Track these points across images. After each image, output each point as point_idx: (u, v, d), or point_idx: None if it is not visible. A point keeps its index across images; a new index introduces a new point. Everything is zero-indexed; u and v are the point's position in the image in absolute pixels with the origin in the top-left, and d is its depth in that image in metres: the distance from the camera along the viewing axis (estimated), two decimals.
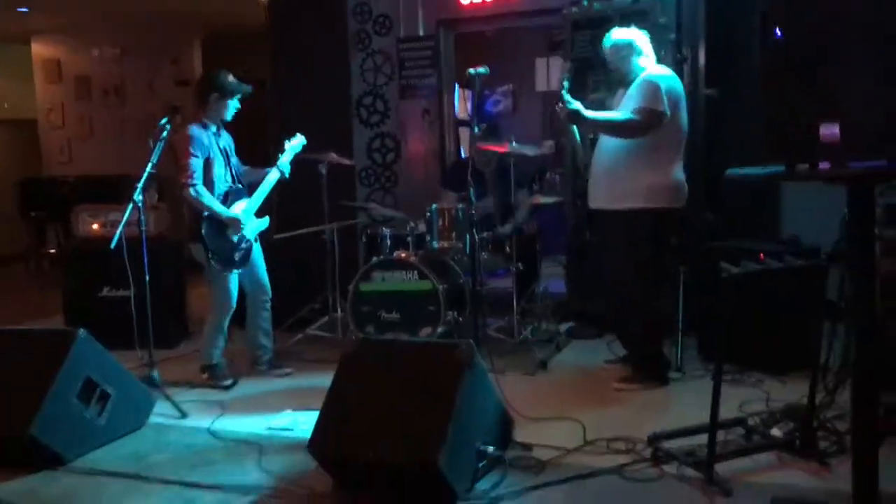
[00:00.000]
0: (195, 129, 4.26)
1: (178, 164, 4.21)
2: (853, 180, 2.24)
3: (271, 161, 4.59)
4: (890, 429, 3.02)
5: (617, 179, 3.99)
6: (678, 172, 4.00)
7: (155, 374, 3.95)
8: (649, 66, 4.05)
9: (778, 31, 2.25)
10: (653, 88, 3.88)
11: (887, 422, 3.08)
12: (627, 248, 3.99)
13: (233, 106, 4.38)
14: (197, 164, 4.19)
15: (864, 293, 2.32)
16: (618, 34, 4.10)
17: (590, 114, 3.95)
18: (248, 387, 4.36)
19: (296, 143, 4.64)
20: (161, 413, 3.83)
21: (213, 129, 4.37)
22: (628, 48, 4.04)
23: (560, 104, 3.94)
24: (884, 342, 3.16)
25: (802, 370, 3.21)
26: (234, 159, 4.50)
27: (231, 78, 4.35)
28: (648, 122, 3.87)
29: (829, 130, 2.14)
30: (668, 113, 3.87)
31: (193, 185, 4.17)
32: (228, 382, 4.35)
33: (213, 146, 4.30)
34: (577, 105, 3.91)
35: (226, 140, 4.47)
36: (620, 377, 4.14)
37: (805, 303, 3.44)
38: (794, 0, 2.17)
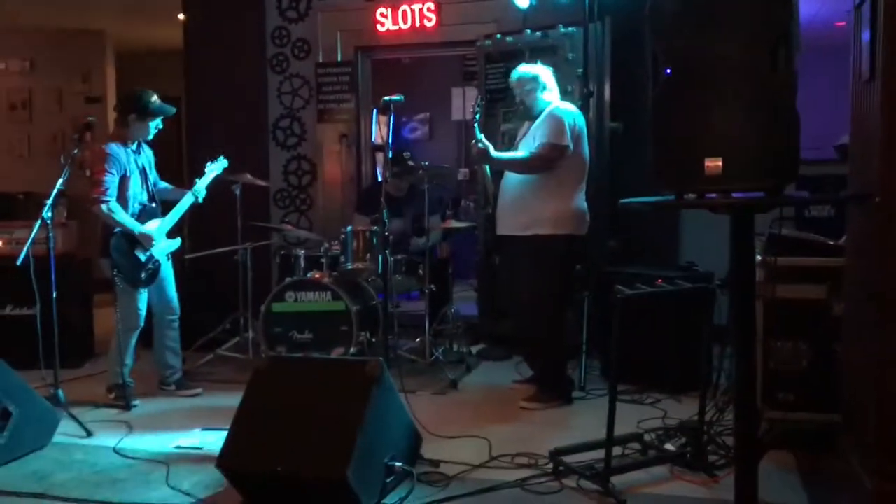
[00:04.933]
0: (113, 147, 4.23)
1: (92, 180, 4.17)
2: (735, 208, 2.45)
3: (185, 180, 4.59)
4: (772, 442, 3.25)
5: (523, 208, 4.17)
6: (581, 201, 4.20)
7: (59, 392, 3.87)
8: (553, 100, 4.25)
9: (668, 70, 2.45)
10: (557, 122, 4.08)
11: (770, 436, 3.31)
12: (533, 272, 4.15)
13: (153, 126, 4.37)
14: (111, 180, 4.17)
15: (745, 315, 2.52)
16: (524, 69, 4.31)
17: (497, 154, 4.20)
18: (156, 406, 4.32)
19: (217, 165, 4.67)
20: (65, 433, 3.75)
21: (133, 146, 4.35)
22: (533, 82, 4.24)
23: (473, 141, 4.16)
24: (769, 361, 3.41)
25: (698, 390, 3.41)
26: (152, 176, 4.49)
27: (154, 99, 4.33)
28: (551, 157, 4.07)
29: (713, 163, 2.34)
30: (571, 146, 4.07)
31: (106, 202, 4.14)
32: (135, 403, 4.29)
33: (130, 163, 4.29)
34: (486, 144, 4.13)
35: (145, 157, 4.45)
36: (527, 396, 4.28)
37: (698, 326, 3.66)
38: (676, 42, 2.36)
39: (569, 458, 3.23)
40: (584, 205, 4.23)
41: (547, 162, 4.09)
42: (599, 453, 3.09)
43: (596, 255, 4.84)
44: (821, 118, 3.99)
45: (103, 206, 4.15)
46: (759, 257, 3.36)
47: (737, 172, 2.29)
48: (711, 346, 3.47)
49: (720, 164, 2.30)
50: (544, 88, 4.25)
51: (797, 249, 3.39)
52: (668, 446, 3.41)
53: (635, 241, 5.25)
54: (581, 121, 4.21)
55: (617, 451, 3.20)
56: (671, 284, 3.62)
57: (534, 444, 3.49)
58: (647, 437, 3.50)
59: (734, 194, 2.33)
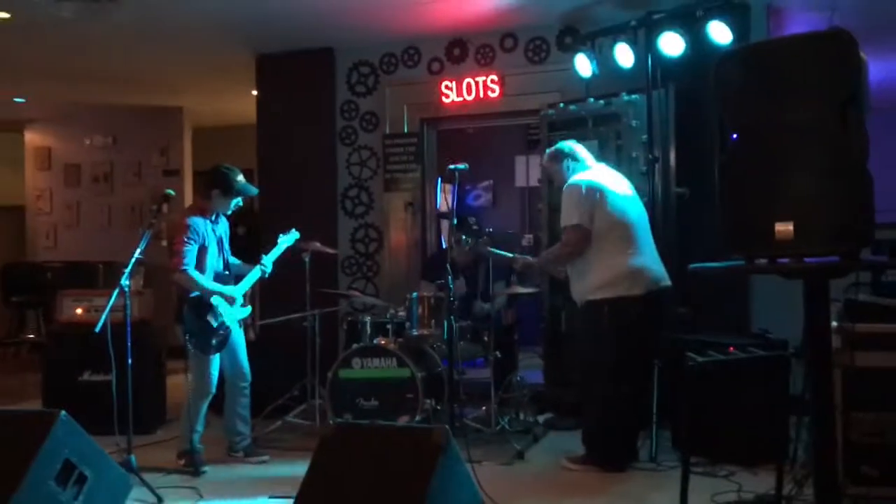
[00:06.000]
0: (193, 219, 4.39)
1: (172, 250, 4.32)
2: (808, 274, 2.39)
3: (259, 250, 4.73)
4: None
5: (576, 279, 4.27)
6: (633, 260, 4.15)
7: (132, 458, 3.94)
8: (588, 167, 4.32)
9: (734, 135, 2.44)
10: (566, 201, 4.20)
11: None
12: (585, 338, 4.23)
13: (234, 203, 4.54)
14: (191, 250, 4.31)
15: (822, 384, 2.43)
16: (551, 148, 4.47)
17: (536, 262, 4.53)
18: (225, 473, 4.35)
19: (289, 237, 4.82)
20: (137, 498, 3.80)
21: (212, 216, 4.50)
22: (555, 160, 4.37)
23: (515, 258, 4.49)
24: (850, 433, 3.27)
25: (774, 462, 3.28)
26: (227, 247, 4.62)
27: (239, 178, 4.52)
28: (574, 238, 4.15)
29: (784, 227, 2.30)
30: (580, 221, 4.11)
31: (185, 269, 4.27)
32: (204, 469, 4.34)
33: (209, 234, 4.44)
34: (523, 257, 4.54)
35: (222, 228, 4.61)
36: (571, 456, 4.25)
37: (772, 396, 3.55)
38: (743, 106, 2.36)
39: None
40: (640, 262, 4.17)
41: (575, 243, 4.17)
42: None
43: (665, 323, 4.75)
44: (894, 180, 3.89)
45: (184, 274, 4.28)
46: (835, 324, 3.26)
47: (809, 237, 2.24)
48: (787, 417, 3.35)
49: (791, 228, 2.26)
50: (567, 163, 4.33)
51: (876, 315, 3.27)
52: None
53: (705, 307, 5.14)
54: (596, 183, 4.20)
55: None
56: (744, 352, 3.53)
57: None
58: None
59: (807, 259, 2.28)
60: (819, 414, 2.41)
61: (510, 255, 4.58)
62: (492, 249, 4.61)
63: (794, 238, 2.25)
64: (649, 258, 4.22)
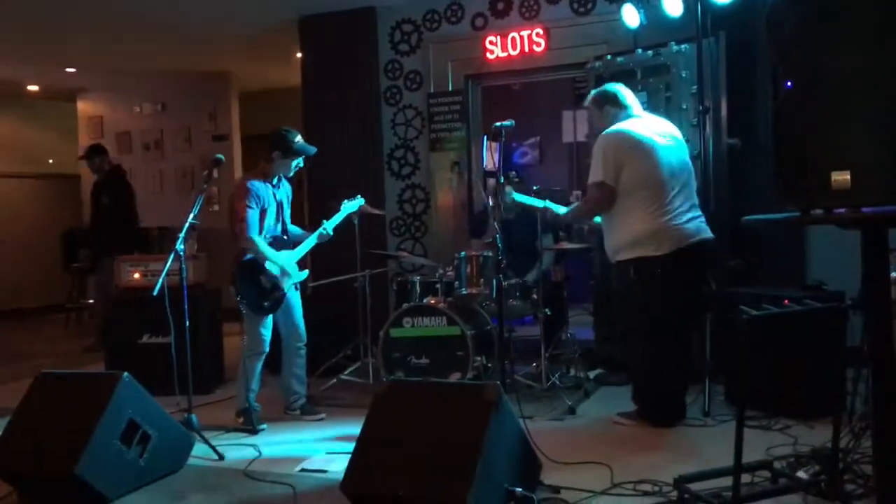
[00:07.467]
0: (254, 183, 4.45)
1: (235, 216, 4.39)
2: (865, 224, 2.33)
3: (305, 210, 4.76)
4: None
5: (608, 237, 4.23)
6: (660, 219, 4.03)
7: (193, 417, 4.06)
8: (632, 117, 4.18)
9: (788, 83, 2.37)
10: (595, 156, 4.09)
11: None
12: (621, 297, 4.23)
13: (294, 164, 4.59)
14: (253, 214, 4.38)
15: (880, 334, 2.39)
16: (596, 89, 4.36)
17: (563, 210, 4.47)
18: (283, 431, 4.46)
19: (353, 204, 4.90)
20: (198, 455, 3.92)
21: (274, 180, 4.56)
22: (598, 100, 4.25)
23: (546, 209, 4.47)
24: None
25: (830, 415, 3.24)
26: (287, 211, 4.68)
27: (298, 139, 4.55)
28: (597, 196, 4.09)
29: (841, 177, 2.24)
30: (605, 178, 4.01)
31: (251, 237, 4.36)
32: (262, 427, 4.45)
33: (269, 198, 4.50)
34: (550, 205, 4.46)
35: (284, 191, 4.67)
36: (623, 412, 4.26)
37: (829, 349, 3.48)
38: (797, 53, 2.29)
39: (695, 486, 3.12)
40: (667, 220, 4.03)
41: (597, 200, 4.11)
42: (727, 481, 2.98)
43: (716, 276, 4.69)
44: None
45: (250, 241, 4.36)
46: (893, 274, 3.17)
47: (867, 185, 2.18)
48: (844, 369, 3.30)
49: (848, 177, 2.20)
50: (609, 108, 4.21)
51: None
52: (801, 474, 3.25)
53: (760, 260, 5.06)
54: (631, 134, 4.06)
55: (745, 479, 3.07)
56: (799, 305, 3.46)
57: (657, 472, 3.40)
58: (777, 465, 3.34)
59: (864, 209, 2.22)
60: (878, 366, 2.37)
61: (539, 203, 4.51)
62: (517, 198, 4.49)
63: (850, 187, 2.18)
64: (681, 214, 4.07)
